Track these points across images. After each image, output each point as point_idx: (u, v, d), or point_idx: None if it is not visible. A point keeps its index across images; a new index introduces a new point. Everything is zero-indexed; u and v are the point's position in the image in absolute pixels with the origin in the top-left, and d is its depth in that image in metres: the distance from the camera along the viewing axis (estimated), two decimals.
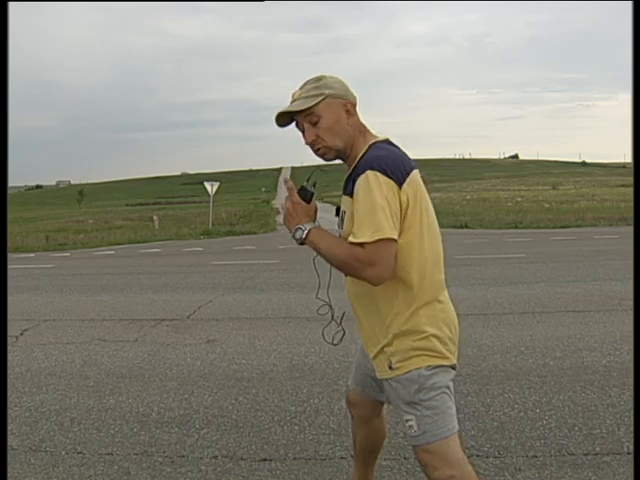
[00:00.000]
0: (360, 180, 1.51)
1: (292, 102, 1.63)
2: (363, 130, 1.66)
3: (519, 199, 38.43)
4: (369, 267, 1.48)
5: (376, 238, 1.46)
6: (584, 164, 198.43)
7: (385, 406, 1.96)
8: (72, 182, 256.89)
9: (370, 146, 1.61)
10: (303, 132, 1.63)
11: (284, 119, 1.64)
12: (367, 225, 1.47)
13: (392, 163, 1.53)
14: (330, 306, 1.81)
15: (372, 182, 1.49)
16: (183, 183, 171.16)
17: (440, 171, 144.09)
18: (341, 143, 1.62)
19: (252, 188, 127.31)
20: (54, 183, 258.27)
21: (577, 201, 33.49)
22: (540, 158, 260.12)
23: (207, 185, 24.06)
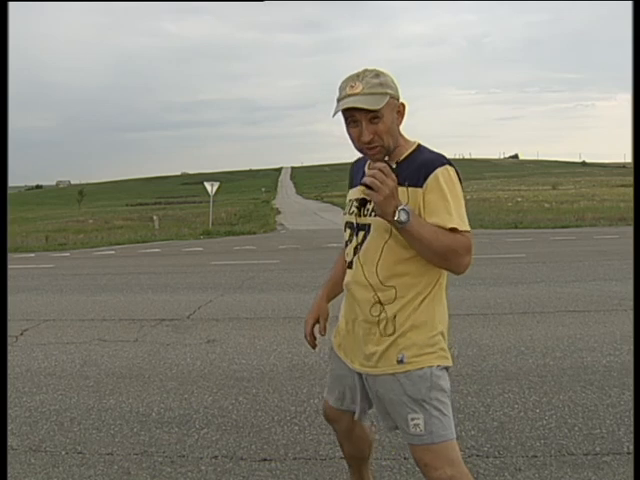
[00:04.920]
0: (441, 172, 1.55)
1: (351, 95, 1.54)
2: None
3: (519, 199, 38.38)
4: (468, 255, 1.54)
5: (468, 228, 1.53)
6: (584, 164, 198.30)
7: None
8: (72, 182, 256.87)
9: (419, 145, 1.66)
10: (349, 124, 1.58)
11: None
12: (459, 216, 1.53)
13: None
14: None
15: (453, 176, 1.57)
16: (183, 183, 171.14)
17: None
18: (393, 144, 1.61)
19: (252, 188, 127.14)
20: (54, 183, 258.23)
21: (577, 201, 33.42)
22: (540, 158, 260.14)
23: (207, 185, 24.04)
